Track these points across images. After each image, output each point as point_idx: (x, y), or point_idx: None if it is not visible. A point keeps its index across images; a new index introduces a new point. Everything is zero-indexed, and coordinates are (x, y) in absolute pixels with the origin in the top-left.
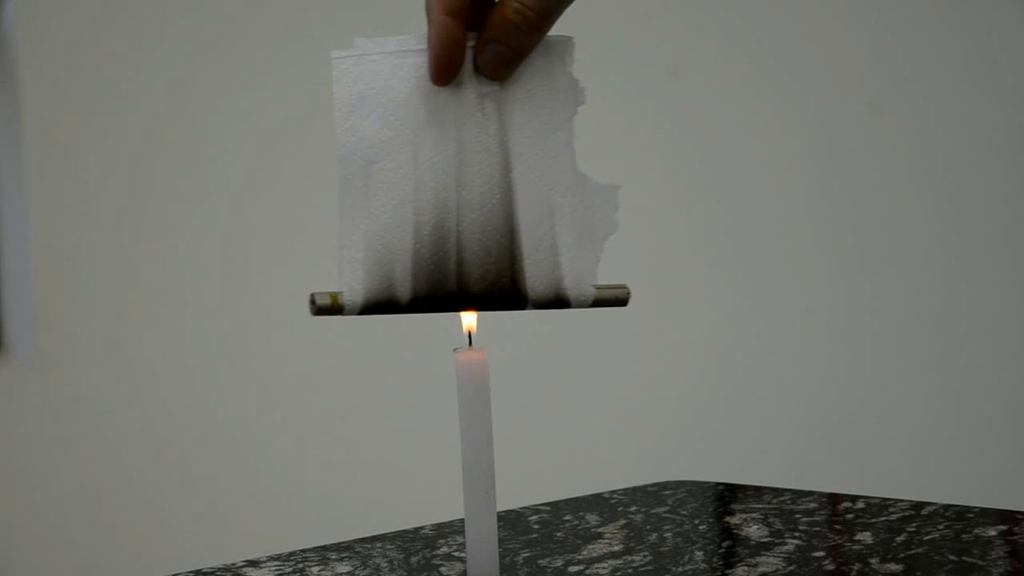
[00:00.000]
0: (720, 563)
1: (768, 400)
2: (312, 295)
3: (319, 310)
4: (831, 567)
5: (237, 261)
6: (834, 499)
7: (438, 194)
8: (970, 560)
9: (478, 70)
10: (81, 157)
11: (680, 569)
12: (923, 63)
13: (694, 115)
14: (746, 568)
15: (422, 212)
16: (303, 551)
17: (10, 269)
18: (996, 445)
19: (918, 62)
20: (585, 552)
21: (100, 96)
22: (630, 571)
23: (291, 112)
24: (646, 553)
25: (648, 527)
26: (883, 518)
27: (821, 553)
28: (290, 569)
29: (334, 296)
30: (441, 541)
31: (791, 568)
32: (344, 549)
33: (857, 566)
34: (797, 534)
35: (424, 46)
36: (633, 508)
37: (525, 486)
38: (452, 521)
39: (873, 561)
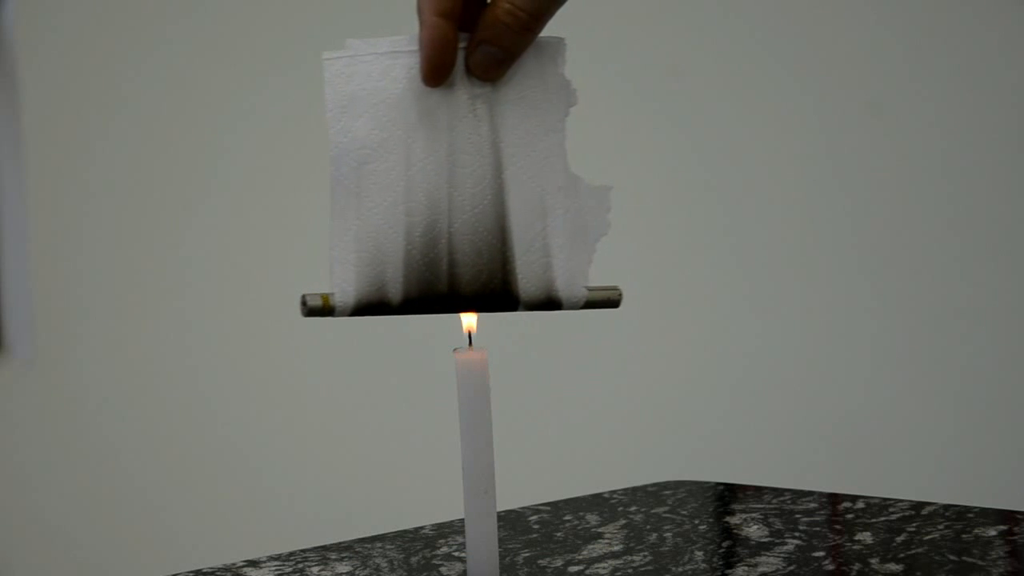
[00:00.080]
0: (720, 563)
1: (768, 400)
2: (303, 296)
3: (310, 311)
4: (831, 567)
5: (237, 261)
6: (834, 499)
7: (430, 195)
8: (970, 560)
9: (470, 71)
10: (81, 157)
11: (680, 569)
12: (923, 63)
13: (694, 115)
14: (746, 568)
15: (414, 213)
16: (303, 551)
17: (10, 269)
18: (996, 445)
19: (918, 62)
20: (585, 552)
21: (100, 96)
22: (630, 571)
23: (292, 112)
24: (646, 553)
25: (648, 527)
26: (883, 518)
27: (821, 553)
28: (290, 569)
29: (325, 297)
30: (441, 541)
31: (791, 568)
32: (344, 549)
33: (857, 566)
34: (797, 534)
35: (416, 47)
36: (633, 508)
37: (525, 486)
38: (452, 521)
39: (873, 561)
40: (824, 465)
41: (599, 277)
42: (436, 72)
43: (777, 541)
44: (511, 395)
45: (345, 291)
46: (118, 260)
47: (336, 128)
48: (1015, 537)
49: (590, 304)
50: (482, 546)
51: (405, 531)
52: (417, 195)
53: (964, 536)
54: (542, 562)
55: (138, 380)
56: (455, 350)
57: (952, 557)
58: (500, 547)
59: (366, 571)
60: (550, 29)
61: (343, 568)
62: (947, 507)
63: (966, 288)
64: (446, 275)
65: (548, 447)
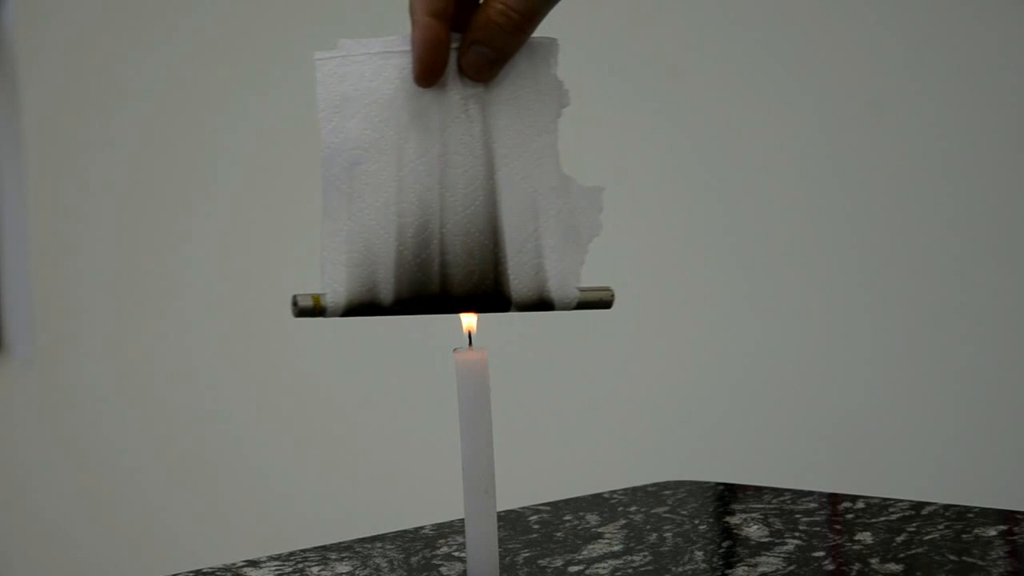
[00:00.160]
0: (720, 563)
1: (768, 400)
2: (294, 297)
3: (301, 312)
4: (831, 567)
5: (237, 261)
6: (834, 499)
7: (422, 196)
8: (970, 560)
9: (462, 71)
10: (81, 157)
11: (680, 569)
12: (923, 63)
13: (694, 115)
14: (746, 568)
15: (405, 214)
16: (303, 551)
17: (10, 269)
18: (996, 445)
19: (918, 62)
20: (585, 552)
21: (100, 96)
22: (630, 571)
23: (292, 112)
24: (646, 553)
25: (648, 527)
26: (883, 518)
27: (821, 553)
28: (290, 569)
29: (316, 298)
30: (441, 541)
31: (791, 568)
32: (344, 549)
33: (857, 566)
34: (797, 534)
35: (408, 47)
36: (633, 508)
37: (525, 486)
38: (452, 521)
39: (873, 561)
40: (824, 465)
41: (599, 277)
42: (428, 72)
43: (777, 541)
44: (511, 395)
45: (336, 291)
46: (118, 260)
47: (328, 128)
48: (1015, 537)
49: (582, 305)
50: (482, 546)
51: (405, 531)
52: (409, 196)
53: (964, 536)
54: (542, 562)
55: (138, 380)
56: (455, 350)
57: (952, 557)
58: (500, 547)
59: (366, 571)
60: (548, 29)
61: (343, 568)
62: (947, 507)
63: (966, 288)
64: (438, 276)
65: (548, 447)
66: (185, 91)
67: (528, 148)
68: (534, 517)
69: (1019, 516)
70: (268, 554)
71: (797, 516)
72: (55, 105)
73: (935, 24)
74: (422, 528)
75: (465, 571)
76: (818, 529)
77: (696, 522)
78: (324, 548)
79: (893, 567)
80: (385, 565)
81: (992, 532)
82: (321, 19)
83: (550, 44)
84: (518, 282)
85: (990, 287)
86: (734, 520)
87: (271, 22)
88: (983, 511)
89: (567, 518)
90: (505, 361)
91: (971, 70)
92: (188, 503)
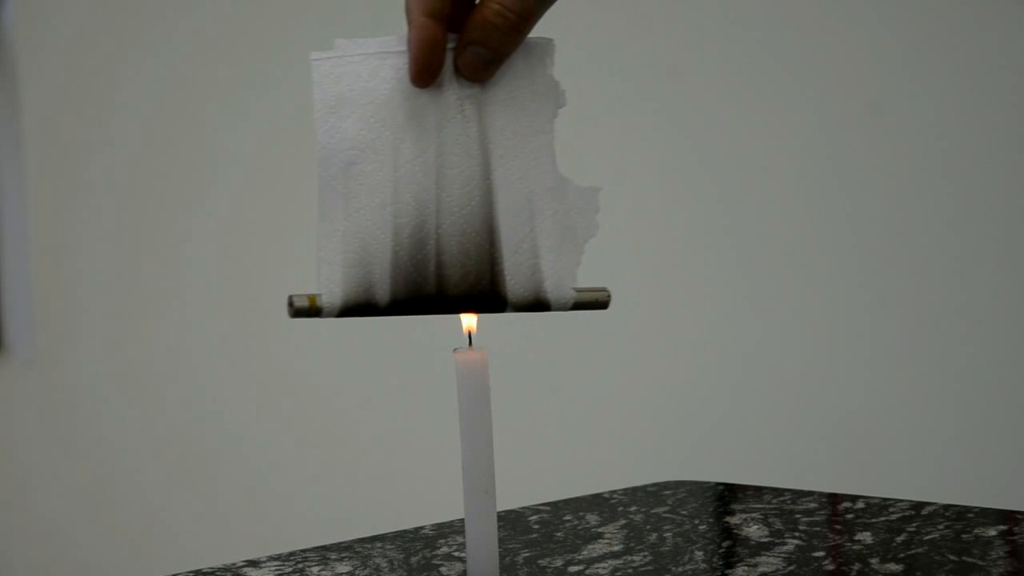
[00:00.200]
0: (720, 563)
1: (768, 400)
2: (290, 297)
3: (297, 312)
4: (831, 567)
5: (237, 261)
6: (834, 499)
7: (418, 196)
8: (970, 560)
9: (458, 72)
10: (81, 157)
11: (680, 569)
12: (923, 63)
13: (694, 115)
14: (746, 568)
15: (401, 214)
16: (303, 551)
17: (10, 269)
18: (996, 445)
19: (918, 62)
20: (585, 552)
21: (100, 96)
22: (630, 571)
23: (292, 112)
24: (646, 553)
25: (648, 527)
26: (883, 518)
27: (821, 553)
28: (290, 569)
29: (312, 298)
30: (441, 541)
31: (791, 568)
32: (344, 549)
33: (857, 566)
34: (797, 534)
35: (404, 47)
36: (633, 508)
37: (525, 486)
38: (452, 521)
39: (873, 561)
40: (824, 465)
41: (599, 277)
42: (424, 73)
43: (777, 541)
44: (511, 395)
45: (332, 292)
46: (118, 260)
47: (324, 128)
48: (1015, 537)
49: (578, 305)
50: (482, 546)
51: (405, 531)
52: (405, 196)
53: (964, 536)
54: (542, 562)
55: (138, 380)
56: (455, 350)
57: (952, 557)
58: (500, 547)
59: (366, 571)
60: (549, 30)
61: (343, 568)
62: (947, 507)
63: (966, 288)
64: (434, 276)
65: (548, 447)
66: (185, 91)
67: (524, 148)
68: (534, 517)
69: (1019, 516)
70: (268, 554)
71: (797, 516)
72: (55, 105)
73: (935, 24)
74: (422, 528)
75: (465, 571)
76: (818, 529)
77: (696, 522)
78: (324, 548)
79: (893, 567)
80: (385, 565)
81: (992, 532)
82: (320, 19)
83: (546, 44)
84: (514, 283)
85: (990, 287)
86: (734, 520)
87: (271, 22)
88: (983, 511)
89: (567, 518)
90: (505, 361)
91: (971, 70)
92: (188, 503)
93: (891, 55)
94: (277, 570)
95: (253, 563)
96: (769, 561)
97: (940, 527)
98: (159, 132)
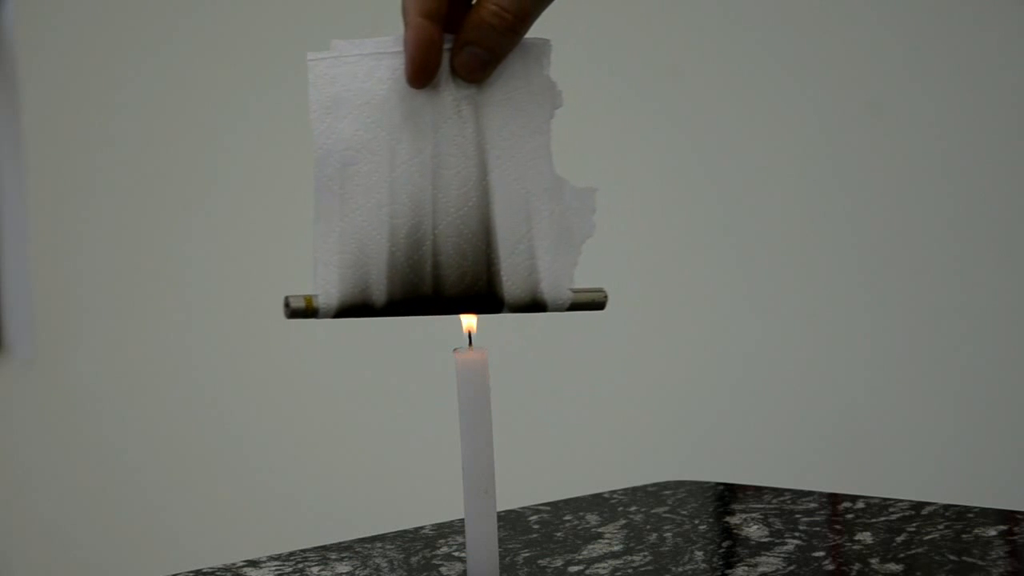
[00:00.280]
0: (720, 563)
1: (768, 400)
2: (286, 298)
3: (293, 313)
4: (831, 567)
5: (237, 261)
6: (834, 499)
7: (414, 197)
8: (970, 560)
9: (455, 72)
10: (81, 157)
11: (680, 569)
12: (923, 63)
13: (694, 115)
14: (746, 568)
15: (398, 215)
16: (303, 551)
17: (10, 269)
18: (996, 445)
19: (918, 62)
20: (585, 552)
21: (100, 96)
22: (630, 571)
23: (292, 112)
24: (646, 553)
25: (648, 527)
26: (883, 518)
27: (821, 553)
28: (290, 569)
29: (308, 299)
30: (441, 541)
31: (791, 568)
32: (344, 549)
33: (857, 566)
34: (797, 534)
35: (401, 48)
36: (633, 508)
37: (525, 486)
38: (452, 521)
39: (873, 561)
40: (824, 465)
41: (599, 277)
42: (421, 73)
43: (777, 541)
44: (511, 395)
45: (328, 293)
46: (118, 260)
47: (320, 129)
48: (1015, 537)
49: (575, 306)
50: (482, 546)
51: (405, 531)
52: (401, 197)
53: (964, 536)
54: (542, 562)
55: (138, 380)
56: (455, 350)
57: (952, 557)
58: (500, 547)
59: (366, 571)
60: (549, 30)
61: (343, 568)
62: (947, 507)
63: (966, 288)
64: (430, 277)
65: (548, 447)
66: (185, 91)
67: (521, 149)
68: (534, 517)
69: (1019, 516)
70: (268, 554)
71: (797, 516)
72: (55, 105)
73: (935, 24)
74: (422, 528)
75: (465, 571)
76: (818, 529)
77: (696, 522)
78: (324, 548)
79: (893, 567)
80: (385, 565)
81: (992, 532)
82: (319, 19)
83: (543, 45)
84: (511, 283)
85: (990, 287)
86: (734, 520)
87: (270, 22)
88: (983, 511)
89: (567, 518)
90: (505, 361)
91: (971, 70)
92: (188, 503)
93: (891, 55)
94: (277, 570)
95: (253, 563)
96: (769, 561)
97: (940, 527)
98: (159, 132)
